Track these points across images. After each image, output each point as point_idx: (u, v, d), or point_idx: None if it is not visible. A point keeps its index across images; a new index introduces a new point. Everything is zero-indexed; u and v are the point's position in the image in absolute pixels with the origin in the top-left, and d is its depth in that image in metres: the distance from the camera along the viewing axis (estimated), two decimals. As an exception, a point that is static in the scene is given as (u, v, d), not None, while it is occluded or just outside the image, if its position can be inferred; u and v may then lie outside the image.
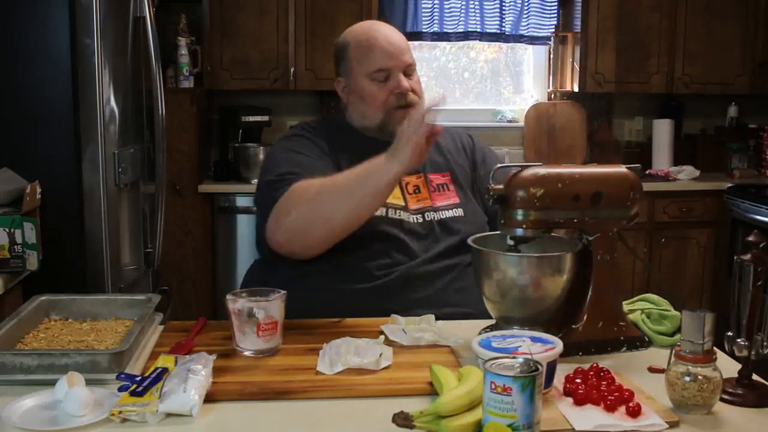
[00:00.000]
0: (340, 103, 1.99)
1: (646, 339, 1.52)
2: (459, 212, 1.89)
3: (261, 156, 3.99)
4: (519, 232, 1.47)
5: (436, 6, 4.45)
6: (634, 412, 1.18)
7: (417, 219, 1.85)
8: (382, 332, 1.54)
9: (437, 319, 1.61)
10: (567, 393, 1.26)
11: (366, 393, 1.28)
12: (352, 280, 1.75)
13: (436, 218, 1.86)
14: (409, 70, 1.89)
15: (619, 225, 1.52)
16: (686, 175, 4.38)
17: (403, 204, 1.85)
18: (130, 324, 1.55)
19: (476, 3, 4.47)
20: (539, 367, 1.07)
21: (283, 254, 1.76)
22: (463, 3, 4.46)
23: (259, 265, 1.93)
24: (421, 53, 4.80)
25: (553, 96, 4.74)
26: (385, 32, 1.90)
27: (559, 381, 1.29)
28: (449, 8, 4.47)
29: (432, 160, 1.94)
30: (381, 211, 1.80)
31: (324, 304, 1.71)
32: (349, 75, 1.91)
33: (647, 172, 4.44)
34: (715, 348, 1.23)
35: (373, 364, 1.36)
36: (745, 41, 4.48)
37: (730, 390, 1.27)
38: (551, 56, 4.68)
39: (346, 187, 1.65)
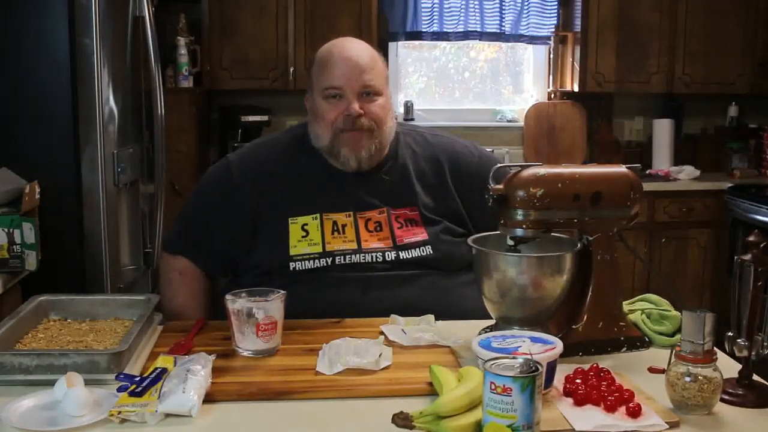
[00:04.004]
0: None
1: (647, 339, 1.52)
2: (427, 250, 1.77)
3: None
4: (519, 232, 1.47)
5: (435, 6, 4.45)
6: (635, 413, 1.18)
7: (374, 257, 1.75)
8: (381, 332, 1.54)
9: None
10: (567, 393, 1.26)
11: (366, 393, 1.28)
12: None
13: (397, 257, 1.75)
14: (367, 91, 1.77)
15: (619, 225, 1.52)
16: (686, 175, 4.38)
17: (355, 247, 1.75)
18: (129, 324, 1.54)
19: (476, 2, 4.46)
20: (539, 367, 1.07)
21: None
22: (463, 2, 4.46)
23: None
24: (421, 53, 4.80)
25: (553, 96, 4.73)
26: (346, 48, 1.79)
27: (559, 381, 1.28)
28: (449, 8, 4.46)
29: (396, 194, 1.82)
30: (324, 262, 1.73)
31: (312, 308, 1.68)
32: (310, 91, 1.83)
33: (647, 172, 4.44)
34: (715, 348, 1.23)
35: (373, 365, 1.35)
36: (746, 41, 4.47)
37: (730, 390, 1.27)
38: (551, 56, 4.68)
39: None
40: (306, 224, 1.77)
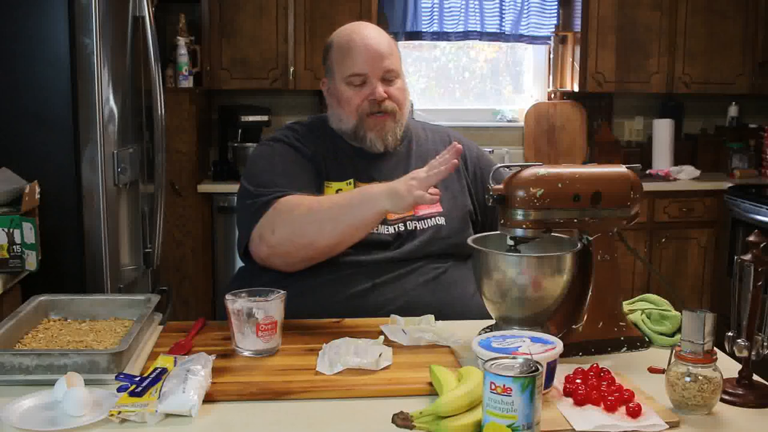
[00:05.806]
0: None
1: (647, 339, 1.52)
2: (441, 221, 1.84)
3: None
4: (519, 232, 1.47)
5: (435, 5, 4.45)
6: (635, 413, 1.18)
7: (396, 228, 1.80)
8: (381, 332, 1.54)
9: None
10: (567, 393, 1.26)
11: (366, 393, 1.28)
12: (329, 286, 1.74)
13: (414, 227, 1.81)
14: (389, 76, 1.85)
15: (619, 225, 1.52)
16: (686, 175, 4.38)
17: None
18: (129, 324, 1.55)
19: (476, 2, 4.47)
20: (539, 367, 1.07)
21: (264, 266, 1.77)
22: (463, 2, 4.46)
23: (244, 271, 1.91)
24: (421, 53, 4.80)
25: (553, 96, 4.73)
26: (366, 34, 1.86)
27: (559, 381, 1.28)
28: (449, 8, 4.46)
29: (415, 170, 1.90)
30: None
31: (306, 306, 1.69)
32: (331, 77, 1.89)
33: (647, 172, 4.44)
34: (715, 348, 1.23)
35: (373, 365, 1.35)
36: (746, 41, 4.48)
37: (730, 390, 1.27)
38: (551, 56, 4.68)
39: (332, 213, 1.66)
40: (340, 189, 1.82)
